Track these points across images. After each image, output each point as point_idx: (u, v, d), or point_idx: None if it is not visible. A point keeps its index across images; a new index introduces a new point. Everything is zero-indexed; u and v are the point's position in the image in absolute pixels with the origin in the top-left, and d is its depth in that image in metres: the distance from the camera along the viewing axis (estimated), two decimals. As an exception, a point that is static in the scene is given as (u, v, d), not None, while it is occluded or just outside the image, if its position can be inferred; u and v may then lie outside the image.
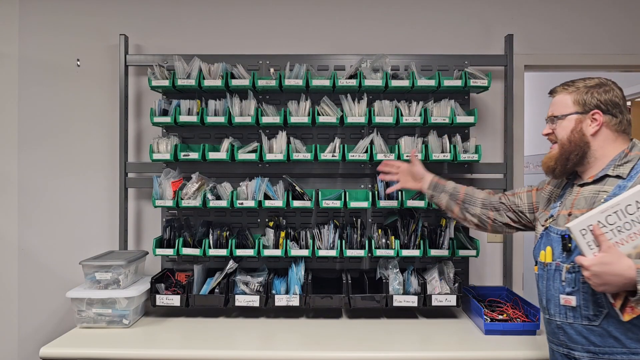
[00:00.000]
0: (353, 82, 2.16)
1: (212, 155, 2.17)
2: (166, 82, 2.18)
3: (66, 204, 2.42)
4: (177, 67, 2.19)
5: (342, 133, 2.35)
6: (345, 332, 1.95)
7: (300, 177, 2.33)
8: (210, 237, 2.17)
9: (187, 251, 2.15)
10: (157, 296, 2.09)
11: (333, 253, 2.12)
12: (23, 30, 2.42)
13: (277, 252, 2.14)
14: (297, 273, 2.15)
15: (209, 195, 2.17)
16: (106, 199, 2.41)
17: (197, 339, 1.88)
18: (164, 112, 2.21)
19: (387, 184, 2.13)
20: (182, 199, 2.15)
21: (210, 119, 2.17)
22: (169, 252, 2.16)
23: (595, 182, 1.37)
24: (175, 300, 2.09)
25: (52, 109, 2.42)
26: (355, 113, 2.16)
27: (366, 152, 2.15)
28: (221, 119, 2.16)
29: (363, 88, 2.19)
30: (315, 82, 2.17)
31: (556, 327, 1.38)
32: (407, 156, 2.10)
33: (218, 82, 2.17)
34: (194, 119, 2.17)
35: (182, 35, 2.42)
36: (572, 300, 1.32)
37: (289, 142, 2.20)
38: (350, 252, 2.12)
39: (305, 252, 2.14)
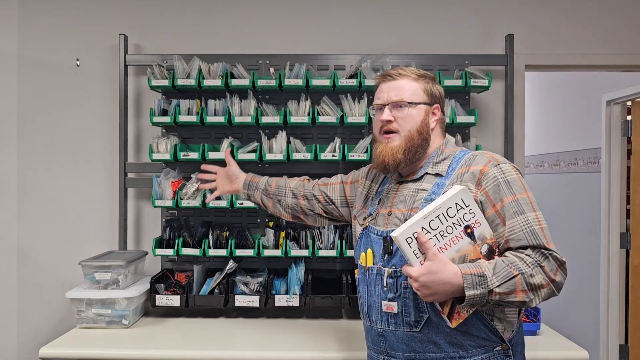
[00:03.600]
0: (353, 82, 2.16)
1: (212, 155, 2.16)
2: (166, 82, 2.18)
3: (65, 204, 2.41)
4: (176, 67, 2.19)
5: (342, 133, 2.35)
6: (345, 332, 1.94)
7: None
8: (210, 237, 2.16)
9: (186, 251, 2.15)
10: (157, 296, 2.09)
11: (333, 253, 2.12)
12: (22, 30, 2.42)
13: (277, 253, 2.14)
14: (297, 273, 2.14)
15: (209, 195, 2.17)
16: (106, 199, 2.40)
17: (197, 339, 1.88)
18: (164, 112, 2.21)
19: None
20: (181, 199, 2.15)
21: (210, 119, 2.17)
22: (169, 252, 2.16)
23: (414, 180, 1.32)
24: (174, 300, 2.09)
25: (51, 108, 2.41)
26: (356, 113, 2.16)
27: (366, 152, 2.15)
28: (221, 119, 2.16)
29: (363, 88, 2.19)
30: (315, 82, 2.17)
31: (377, 334, 1.29)
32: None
33: (218, 82, 2.17)
34: (193, 118, 2.17)
35: (181, 34, 2.42)
36: (394, 307, 1.23)
37: (289, 142, 2.20)
38: (350, 252, 2.12)
39: (305, 253, 2.14)
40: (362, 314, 1.35)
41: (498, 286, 1.10)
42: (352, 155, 2.14)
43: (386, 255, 1.26)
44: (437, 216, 1.14)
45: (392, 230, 1.20)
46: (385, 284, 1.24)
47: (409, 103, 1.29)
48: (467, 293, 1.10)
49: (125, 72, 2.32)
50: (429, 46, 2.40)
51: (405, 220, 1.22)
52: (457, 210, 1.16)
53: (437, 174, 1.29)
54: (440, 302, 1.16)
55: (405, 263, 1.17)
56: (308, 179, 1.68)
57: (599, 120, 3.24)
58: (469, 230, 1.18)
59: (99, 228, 2.40)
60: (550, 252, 1.15)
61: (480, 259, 1.17)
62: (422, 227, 1.13)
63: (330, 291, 2.10)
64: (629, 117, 3.14)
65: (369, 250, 1.30)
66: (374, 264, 1.29)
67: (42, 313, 2.40)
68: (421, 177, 1.31)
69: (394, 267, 1.23)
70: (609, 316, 3.12)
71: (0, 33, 2.41)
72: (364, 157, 2.14)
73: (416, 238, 1.12)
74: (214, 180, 1.78)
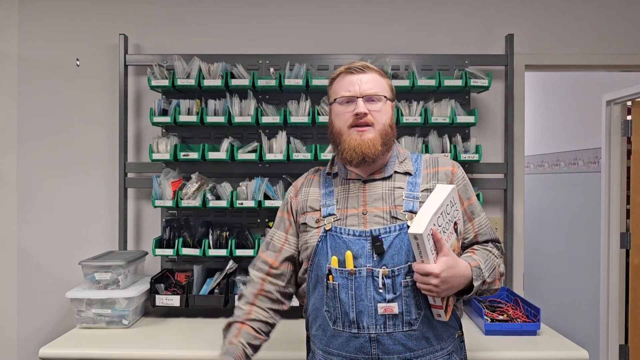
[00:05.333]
0: (353, 82, 2.16)
1: (211, 155, 2.16)
2: (166, 82, 2.18)
3: (65, 204, 2.41)
4: (176, 67, 2.19)
5: (342, 133, 2.34)
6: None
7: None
8: (210, 237, 2.16)
9: (186, 251, 2.15)
10: (157, 296, 2.09)
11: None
12: (22, 30, 2.42)
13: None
14: (297, 273, 2.14)
15: (209, 195, 2.17)
16: (106, 199, 2.40)
17: (197, 340, 1.88)
18: (164, 112, 2.21)
19: None
20: (181, 199, 2.15)
21: (210, 119, 2.17)
22: (169, 252, 2.16)
23: (384, 178, 1.29)
24: (174, 300, 2.08)
25: (51, 108, 2.41)
26: (356, 113, 2.16)
27: (366, 152, 2.15)
28: (221, 119, 2.16)
29: (363, 88, 2.18)
30: (315, 82, 2.17)
31: (367, 340, 1.19)
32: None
33: (218, 82, 2.17)
34: (193, 118, 2.17)
35: (181, 34, 2.42)
36: (395, 308, 1.17)
37: (289, 142, 2.20)
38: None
39: (305, 252, 2.13)
40: (341, 323, 1.21)
41: (488, 276, 1.21)
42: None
43: (375, 256, 1.20)
44: (442, 213, 1.15)
45: (377, 229, 1.21)
46: (381, 285, 1.18)
47: (385, 97, 1.27)
48: (474, 284, 1.17)
49: (125, 72, 2.32)
50: (429, 46, 2.40)
51: (392, 217, 1.23)
52: (451, 207, 1.20)
53: (406, 173, 1.30)
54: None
55: (411, 261, 1.18)
56: (255, 295, 1.37)
57: (599, 120, 3.24)
58: (455, 227, 1.23)
59: (99, 228, 2.40)
60: (501, 244, 1.36)
61: (460, 253, 1.25)
62: (434, 224, 1.12)
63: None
64: (629, 117, 3.14)
65: (348, 252, 1.21)
66: (357, 267, 1.20)
67: (42, 313, 2.40)
68: (390, 176, 1.30)
69: (385, 267, 1.18)
70: (609, 316, 3.12)
71: (0, 33, 2.42)
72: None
73: (432, 235, 1.12)
74: None
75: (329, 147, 2.19)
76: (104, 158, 2.40)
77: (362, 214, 1.25)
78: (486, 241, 1.33)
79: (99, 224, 2.41)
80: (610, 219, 3.14)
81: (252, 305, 1.35)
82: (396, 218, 1.23)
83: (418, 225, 1.08)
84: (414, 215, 1.21)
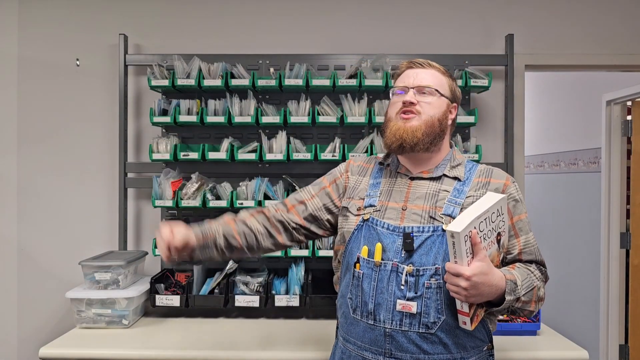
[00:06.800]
0: (353, 82, 2.16)
1: (211, 155, 2.16)
2: (166, 82, 2.18)
3: (65, 204, 2.41)
4: (176, 67, 2.19)
5: (343, 133, 2.35)
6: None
7: (300, 177, 2.33)
8: (210, 237, 2.16)
9: (186, 251, 2.14)
10: (157, 296, 2.09)
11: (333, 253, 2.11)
12: (22, 30, 2.42)
13: (277, 253, 2.13)
14: (297, 273, 2.14)
15: (209, 195, 2.17)
16: (106, 199, 2.40)
17: (197, 340, 1.88)
18: (164, 112, 2.21)
19: None
20: (181, 199, 2.15)
21: (210, 119, 2.17)
22: (169, 252, 2.15)
23: (432, 179, 1.30)
24: (174, 300, 2.08)
25: (51, 108, 2.41)
26: (356, 113, 2.16)
27: (366, 151, 2.15)
28: (221, 119, 2.16)
29: (363, 88, 2.18)
30: (315, 82, 2.17)
31: (382, 334, 1.20)
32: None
33: (218, 82, 2.17)
34: (193, 118, 2.17)
35: (181, 34, 2.42)
36: (413, 307, 1.17)
37: (289, 142, 2.20)
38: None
39: (305, 253, 2.14)
40: (360, 312, 1.24)
41: (524, 295, 1.18)
42: (352, 155, 2.14)
43: (404, 252, 1.20)
44: (485, 219, 1.12)
45: (410, 227, 1.22)
46: (403, 282, 1.18)
47: (436, 91, 1.28)
48: (507, 298, 1.14)
49: (125, 72, 2.32)
50: (429, 46, 2.40)
51: (430, 217, 1.23)
52: (497, 217, 1.16)
53: (455, 178, 1.29)
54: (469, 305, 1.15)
55: (439, 264, 1.17)
56: (258, 211, 1.42)
57: (599, 120, 3.24)
58: (498, 238, 1.19)
59: (99, 228, 2.40)
60: (546, 269, 1.30)
61: (498, 266, 1.21)
62: (475, 227, 1.10)
63: (330, 291, 2.10)
64: (629, 117, 3.14)
65: (378, 245, 1.22)
66: (384, 260, 1.21)
67: (42, 313, 2.40)
68: (439, 177, 1.30)
69: (412, 265, 1.18)
70: (609, 316, 3.12)
71: (0, 33, 2.42)
72: (364, 157, 2.14)
73: (470, 237, 1.09)
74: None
75: (329, 147, 2.19)
76: (104, 158, 2.40)
77: (402, 209, 1.27)
78: (530, 262, 1.28)
79: (99, 224, 2.41)
80: (610, 219, 3.14)
81: (250, 215, 1.40)
82: (434, 219, 1.23)
83: (457, 223, 1.07)
84: (452, 219, 1.20)
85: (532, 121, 3.78)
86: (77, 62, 2.42)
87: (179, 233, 1.25)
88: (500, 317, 1.96)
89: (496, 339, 1.84)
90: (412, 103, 1.26)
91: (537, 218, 3.97)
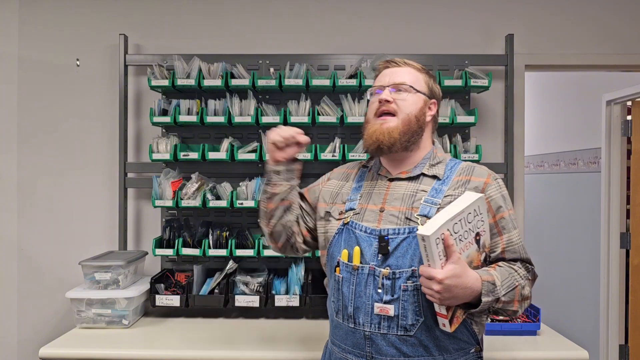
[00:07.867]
0: (353, 82, 2.16)
1: (211, 155, 2.16)
2: (166, 82, 2.18)
3: (65, 204, 2.41)
4: (176, 67, 2.19)
5: (342, 133, 2.35)
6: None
7: (300, 177, 2.32)
8: (210, 237, 2.16)
9: (186, 251, 2.15)
10: (157, 296, 2.09)
11: (333, 253, 2.11)
12: (23, 30, 2.42)
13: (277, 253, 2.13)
14: (297, 273, 2.14)
15: (209, 195, 2.17)
16: (106, 199, 2.40)
17: (197, 340, 1.88)
18: (164, 112, 2.21)
19: None
20: (181, 199, 2.15)
21: (210, 119, 2.17)
22: (169, 252, 2.16)
23: (410, 179, 1.29)
24: (174, 300, 2.08)
25: (51, 108, 2.41)
26: (356, 113, 2.16)
27: (366, 151, 2.15)
28: (221, 119, 2.16)
29: (363, 88, 2.19)
30: (315, 82, 2.17)
31: (362, 337, 1.21)
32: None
33: (218, 82, 2.17)
34: (193, 118, 2.17)
35: (181, 34, 2.42)
36: (390, 310, 1.17)
37: (289, 142, 2.20)
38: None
39: (305, 252, 2.13)
40: (342, 315, 1.24)
41: (504, 295, 1.15)
42: (352, 155, 2.14)
43: (380, 255, 1.20)
44: (460, 220, 1.11)
45: (386, 229, 1.21)
46: (379, 285, 1.18)
47: (411, 87, 1.29)
48: (483, 299, 1.11)
49: (125, 72, 2.32)
50: (429, 46, 2.40)
51: (407, 218, 1.21)
52: (474, 217, 1.15)
53: (434, 177, 1.28)
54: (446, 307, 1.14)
55: (416, 266, 1.16)
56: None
57: (599, 120, 3.24)
58: (477, 238, 1.17)
59: (99, 228, 2.40)
60: (532, 267, 1.26)
61: (479, 266, 1.19)
62: (447, 229, 1.08)
63: (330, 291, 2.10)
64: (629, 117, 3.14)
65: (356, 248, 1.23)
66: (362, 263, 1.21)
67: (42, 313, 2.40)
68: (417, 177, 1.29)
69: (388, 268, 1.18)
70: (609, 316, 3.12)
71: (0, 33, 2.42)
72: (364, 157, 2.14)
73: (443, 240, 1.07)
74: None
75: (329, 147, 2.19)
76: (104, 158, 2.40)
77: (380, 211, 1.26)
78: (515, 260, 1.24)
79: (99, 224, 2.41)
80: (610, 219, 3.14)
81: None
82: (410, 220, 1.22)
83: (428, 227, 1.06)
84: (427, 220, 1.18)
85: (532, 121, 3.78)
86: (77, 62, 2.42)
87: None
88: (500, 317, 1.96)
89: (495, 339, 1.86)
90: (387, 101, 1.27)
91: (537, 218, 3.97)
